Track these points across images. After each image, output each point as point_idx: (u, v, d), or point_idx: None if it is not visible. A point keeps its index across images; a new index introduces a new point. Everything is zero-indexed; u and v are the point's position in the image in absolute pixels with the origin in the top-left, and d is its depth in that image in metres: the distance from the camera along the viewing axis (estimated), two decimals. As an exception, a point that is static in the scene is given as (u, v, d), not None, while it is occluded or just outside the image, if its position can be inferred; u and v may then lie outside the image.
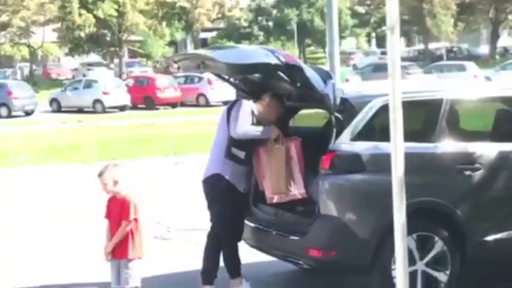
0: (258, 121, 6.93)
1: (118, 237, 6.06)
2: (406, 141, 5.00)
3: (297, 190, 6.81)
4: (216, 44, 47.88)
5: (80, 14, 58.55)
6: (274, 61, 6.26)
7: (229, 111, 6.96)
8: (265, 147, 6.89)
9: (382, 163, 6.24)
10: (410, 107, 5.59)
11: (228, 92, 36.64)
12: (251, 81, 7.37)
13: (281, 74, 6.46)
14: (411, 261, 6.05)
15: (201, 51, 7.11)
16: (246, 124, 6.78)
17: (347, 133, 6.47)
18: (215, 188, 6.91)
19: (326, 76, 6.66)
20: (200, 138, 19.94)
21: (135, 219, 6.09)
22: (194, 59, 6.94)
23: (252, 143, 6.88)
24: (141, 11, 61.47)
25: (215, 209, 6.94)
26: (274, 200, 6.91)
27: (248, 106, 6.92)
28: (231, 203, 6.85)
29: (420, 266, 6.42)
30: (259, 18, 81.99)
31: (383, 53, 69.93)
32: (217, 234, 6.94)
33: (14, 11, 61.41)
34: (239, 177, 6.90)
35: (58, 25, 62.92)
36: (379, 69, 46.33)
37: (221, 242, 6.99)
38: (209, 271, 6.95)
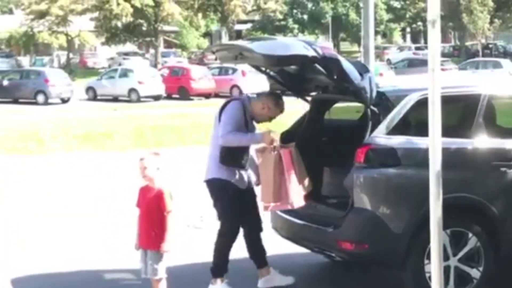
0: (252, 118, 6.91)
1: (170, 230, 6.01)
2: (442, 136, 4.99)
3: (288, 201, 6.65)
4: (251, 36, 47.91)
5: (117, 4, 58.92)
6: (311, 53, 6.27)
7: (220, 113, 6.91)
8: (261, 152, 6.77)
9: (417, 157, 6.26)
10: (448, 102, 5.58)
11: (261, 84, 36.69)
12: (288, 73, 7.39)
13: (318, 67, 6.47)
14: (445, 256, 6.00)
15: (240, 42, 7.14)
16: (233, 131, 6.67)
17: (382, 127, 6.47)
18: (216, 191, 6.93)
19: (363, 69, 6.64)
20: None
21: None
22: (232, 50, 6.98)
23: (247, 147, 6.83)
24: (178, 2, 61.70)
25: (220, 209, 6.96)
26: (269, 209, 6.81)
27: (238, 109, 6.82)
28: (235, 201, 6.83)
29: (453, 262, 6.40)
30: (294, 11, 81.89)
31: (418, 48, 69.46)
32: (226, 232, 6.93)
33: (53, 0, 61.98)
34: (239, 177, 6.87)
35: (96, 14, 63.33)
36: (414, 64, 46.10)
37: (232, 239, 6.97)
38: (219, 266, 6.96)
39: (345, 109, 8.07)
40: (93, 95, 40.66)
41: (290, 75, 7.35)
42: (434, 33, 4.70)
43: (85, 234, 9.49)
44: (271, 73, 7.58)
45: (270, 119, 7.01)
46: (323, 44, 6.94)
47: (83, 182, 13.37)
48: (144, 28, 63.25)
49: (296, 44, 6.52)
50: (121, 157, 16.18)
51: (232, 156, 6.78)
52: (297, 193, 6.65)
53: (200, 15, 67.47)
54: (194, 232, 9.46)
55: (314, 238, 6.93)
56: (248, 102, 6.96)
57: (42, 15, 63.80)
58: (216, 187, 6.91)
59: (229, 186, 6.84)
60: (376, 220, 6.38)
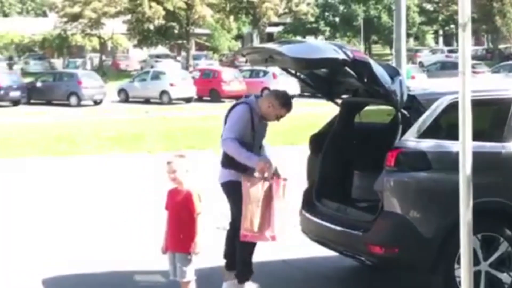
0: (262, 118, 6.87)
1: (198, 231, 6.03)
2: (474, 140, 4.95)
3: (269, 233, 6.55)
4: (282, 39, 47.86)
5: (150, 7, 59.31)
6: (341, 56, 6.24)
7: (226, 117, 6.92)
8: (249, 180, 6.60)
9: (448, 161, 6.19)
10: (479, 106, 5.52)
11: (292, 86, 36.64)
12: (318, 76, 7.37)
13: (348, 70, 6.45)
14: (475, 261, 5.96)
15: (270, 45, 7.14)
16: (235, 140, 6.63)
17: (413, 130, 6.42)
18: (231, 193, 6.88)
19: (394, 73, 6.61)
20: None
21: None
22: (262, 53, 6.98)
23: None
24: (209, 5, 61.94)
25: (236, 211, 6.87)
26: (247, 238, 6.66)
27: (244, 112, 6.79)
28: None
29: (483, 266, 6.34)
30: (326, 13, 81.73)
31: (450, 51, 68.93)
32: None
33: (86, 2, 62.61)
34: None
35: (128, 17, 63.83)
36: (446, 67, 45.78)
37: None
38: (244, 270, 6.94)
39: (375, 112, 8.03)
40: (125, 97, 40.95)
41: (320, 78, 7.34)
42: (465, 36, 4.66)
43: (114, 235, 9.56)
44: (301, 76, 7.57)
45: (277, 118, 6.92)
46: (353, 47, 6.91)
47: (113, 184, 13.46)
48: (176, 31, 63.61)
49: (326, 47, 6.50)
50: (152, 159, 16.27)
51: (231, 160, 6.74)
52: (281, 226, 6.56)
53: (231, 17, 67.67)
54: (223, 233, 9.46)
55: (344, 241, 6.90)
56: (255, 103, 6.93)
57: (75, 17, 64.44)
58: (231, 189, 6.87)
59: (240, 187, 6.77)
60: (406, 224, 6.34)
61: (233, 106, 6.98)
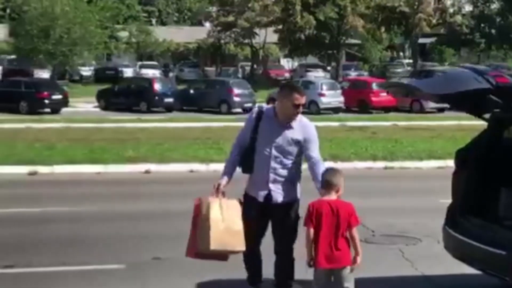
0: (279, 121, 6.90)
1: (307, 246, 6.26)
2: None
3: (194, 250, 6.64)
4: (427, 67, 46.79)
5: (302, 16, 59.81)
6: (484, 85, 6.13)
7: None
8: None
9: None
10: None
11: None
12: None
13: (493, 97, 6.29)
14: None
15: (407, 82, 7.17)
16: (234, 145, 6.97)
17: None
18: None
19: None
20: (409, 145, 19.63)
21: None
22: (402, 88, 6.99)
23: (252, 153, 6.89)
24: (361, 15, 61.67)
25: None
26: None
27: (249, 116, 6.99)
28: None
29: None
30: (482, 25, 79.35)
31: None
32: None
33: (240, 12, 64.05)
34: None
35: (280, 26, 64.65)
36: None
37: None
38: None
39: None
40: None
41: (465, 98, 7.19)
42: None
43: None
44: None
45: (296, 108, 6.97)
46: (497, 72, 6.71)
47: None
48: (326, 41, 63.75)
49: (466, 77, 6.38)
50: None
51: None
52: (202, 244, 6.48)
53: (383, 28, 67.04)
54: (366, 247, 9.41)
55: (487, 260, 6.71)
56: (271, 109, 7.01)
57: (229, 27, 66.05)
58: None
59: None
60: (554, 245, 6.09)
61: None
